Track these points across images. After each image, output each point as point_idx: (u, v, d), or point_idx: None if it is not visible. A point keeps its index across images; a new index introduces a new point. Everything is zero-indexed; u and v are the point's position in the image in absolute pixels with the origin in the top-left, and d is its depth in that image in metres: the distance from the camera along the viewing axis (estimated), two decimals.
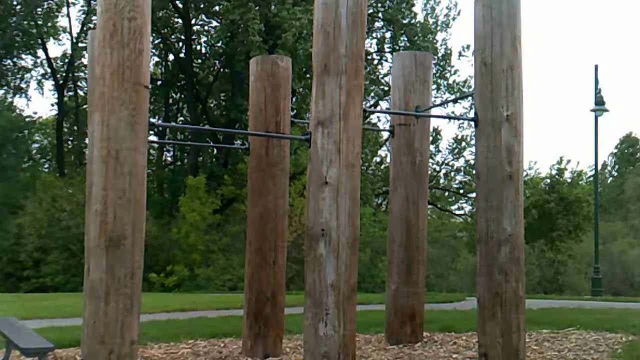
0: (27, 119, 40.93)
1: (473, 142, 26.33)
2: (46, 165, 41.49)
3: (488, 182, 6.72)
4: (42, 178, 33.58)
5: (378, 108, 33.35)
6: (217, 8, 31.72)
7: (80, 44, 35.90)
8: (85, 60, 34.87)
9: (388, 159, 23.61)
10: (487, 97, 6.77)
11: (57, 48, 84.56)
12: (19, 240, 28.12)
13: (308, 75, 27.81)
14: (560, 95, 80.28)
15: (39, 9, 35.96)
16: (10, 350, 7.37)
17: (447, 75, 34.63)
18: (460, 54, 35.09)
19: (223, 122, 31.62)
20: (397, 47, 32.24)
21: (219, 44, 32.37)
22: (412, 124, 8.54)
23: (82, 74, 36.85)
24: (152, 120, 6.26)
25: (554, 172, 36.79)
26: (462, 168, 37.31)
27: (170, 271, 25.20)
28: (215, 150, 33.93)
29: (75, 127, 38.54)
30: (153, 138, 30.18)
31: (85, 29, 35.02)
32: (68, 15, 37.79)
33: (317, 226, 6.14)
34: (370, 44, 33.75)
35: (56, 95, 37.55)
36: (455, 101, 35.61)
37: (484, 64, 6.80)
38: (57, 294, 21.72)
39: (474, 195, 30.62)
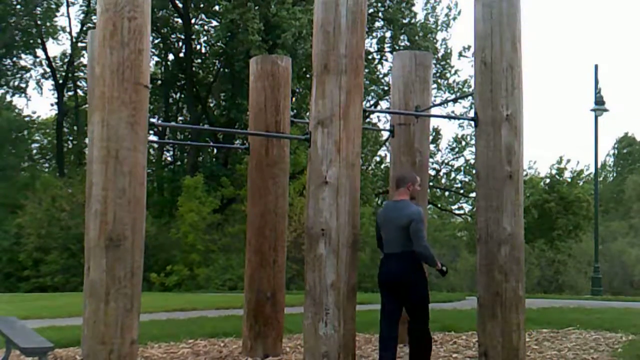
0: (26, 119, 40.89)
1: (473, 141, 26.32)
2: (46, 165, 41.42)
3: (488, 182, 6.72)
4: (41, 178, 33.52)
5: (378, 108, 33.36)
6: (216, 8, 31.69)
7: (80, 44, 35.89)
8: (85, 60, 34.88)
9: (388, 159, 23.62)
10: (487, 96, 6.76)
11: (56, 48, 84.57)
12: (19, 240, 28.10)
13: (308, 75, 27.79)
14: (560, 95, 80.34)
15: (39, 9, 35.91)
16: (10, 350, 7.38)
17: (447, 75, 34.61)
18: (460, 54, 35.10)
19: (223, 121, 31.59)
20: (397, 47, 32.21)
21: (219, 44, 32.37)
22: (412, 123, 8.53)
23: (81, 73, 36.83)
24: (152, 120, 6.26)
25: (553, 171, 36.81)
26: (462, 168, 37.27)
27: (170, 271, 25.20)
28: (215, 150, 33.90)
29: (75, 127, 38.48)
30: (153, 138, 30.15)
31: (84, 28, 35.03)
32: (68, 14, 37.82)
33: (317, 226, 6.14)
34: (370, 44, 33.75)
35: (56, 95, 37.50)
36: (455, 101, 35.56)
37: (484, 64, 6.79)
38: (57, 294, 21.70)
39: (474, 195, 30.63)
